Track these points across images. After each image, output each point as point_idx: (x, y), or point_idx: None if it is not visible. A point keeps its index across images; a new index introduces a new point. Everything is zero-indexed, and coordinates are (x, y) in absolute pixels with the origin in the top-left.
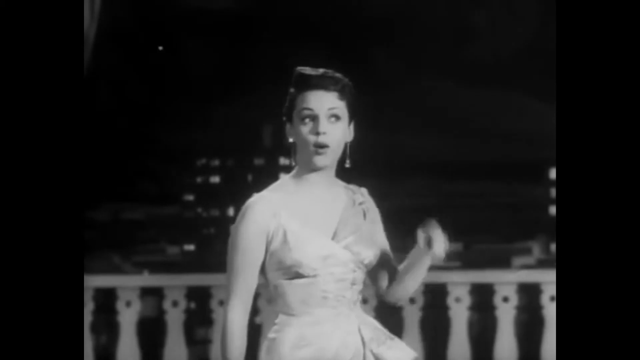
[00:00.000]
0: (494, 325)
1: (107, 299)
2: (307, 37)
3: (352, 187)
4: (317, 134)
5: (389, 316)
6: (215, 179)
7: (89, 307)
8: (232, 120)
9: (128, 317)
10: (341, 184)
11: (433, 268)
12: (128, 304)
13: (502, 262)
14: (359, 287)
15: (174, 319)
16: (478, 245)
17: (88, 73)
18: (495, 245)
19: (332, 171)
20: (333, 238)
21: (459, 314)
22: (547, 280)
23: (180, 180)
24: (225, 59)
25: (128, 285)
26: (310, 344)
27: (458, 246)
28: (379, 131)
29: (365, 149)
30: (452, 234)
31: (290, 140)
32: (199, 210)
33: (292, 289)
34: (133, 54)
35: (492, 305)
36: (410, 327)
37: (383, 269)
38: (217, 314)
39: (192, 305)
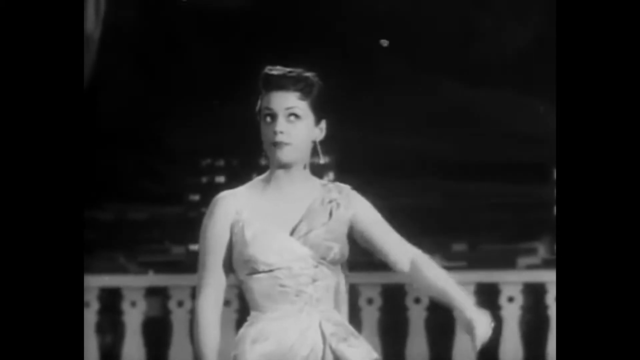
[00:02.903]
0: (500, 326)
1: (112, 299)
2: (312, 37)
3: (332, 184)
4: (275, 132)
5: (394, 316)
6: (220, 179)
7: (94, 307)
8: (237, 120)
9: (133, 317)
10: (318, 181)
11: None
12: (133, 304)
13: (507, 262)
14: (324, 283)
15: (179, 318)
16: (483, 246)
17: (93, 73)
18: (500, 245)
19: (303, 168)
20: (292, 233)
21: None
22: (552, 280)
23: (185, 180)
24: (230, 59)
25: (133, 285)
26: (268, 339)
27: (463, 246)
28: (383, 131)
29: (371, 149)
30: (458, 233)
31: (263, 139)
32: (204, 210)
33: (254, 284)
34: (138, 55)
35: (498, 305)
36: (416, 326)
37: (389, 249)
38: (222, 313)
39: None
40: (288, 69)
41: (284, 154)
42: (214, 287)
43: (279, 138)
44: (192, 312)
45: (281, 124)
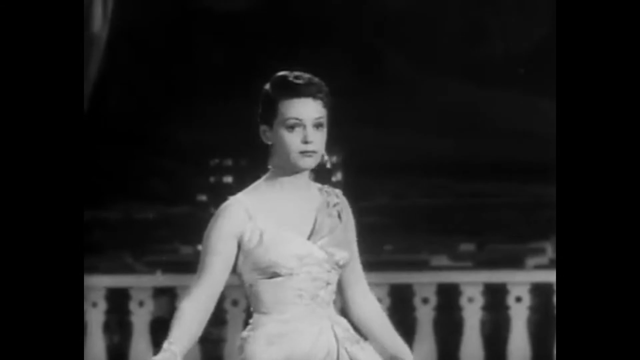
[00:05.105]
0: (507, 325)
1: (119, 299)
2: (319, 37)
3: (327, 188)
4: (306, 142)
5: (402, 316)
6: (228, 179)
7: (101, 307)
8: (244, 120)
9: (141, 317)
10: (315, 185)
11: (446, 268)
12: (141, 303)
13: (515, 262)
14: (334, 287)
15: None
16: (491, 245)
17: (100, 73)
18: (508, 245)
19: (307, 173)
20: (309, 238)
21: (472, 314)
22: None
23: (193, 180)
24: (238, 58)
25: (141, 285)
26: (282, 341)
27: (471, 246)
28: (392, 132)
29: (380, 150)
30: (466, 233)
31: (269, 143)
32: (212, 210)
33: (268, 288)
34: (146, 54)
35: (505, 305)
36: (424, 327)
37: (345, 278)
38: (230, 313)
39: None
40: (307, 75)
41: (311, 162)
42: (207, 291)
43: (309, 148)
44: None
45: (311, 134)
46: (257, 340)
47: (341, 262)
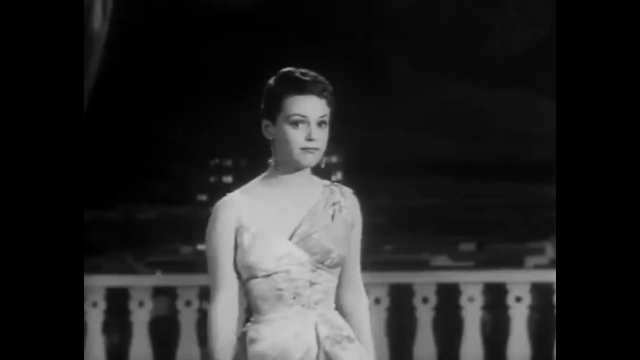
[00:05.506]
0: (507, 325)
1: (119, 299)
2: (321, 37)
3: (334, 186)
4: (310, 140)
5: (402, 316)
6: (228, 179)
7: (101, 306)
8: (244, 120)
9: (141, 317)
10: (320, 182)
11: (446, 268)
12: (141, 303)
13: (515, 261)
14: (324, 286)
15: (187, 318)
16: (491, 245)
17: (101, 73)
18: (508, 245)
19: (309, 170)
20: (291, 237)
21: (472, 313)
22: None
23: (194, 180)
24: (239, 58)
25: (141, 285)
26: (263, 340)
27: (471, 246)
28: (394, 132)
29: (380, 150)
30: (466, 233)
31: (271, 138)
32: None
33: (253, 288)
34: (146, 54)
35: (505, 305)
36: (423, 326)
37: (342, 275)
38: None
39: (205, 304)
40: (313, 73)
41: (313, 159)
42: (225, 292)
43: (312, 145)
44: (203, 315)
45: (315, 132)
46: (244, 338)
47: (327, 262)
